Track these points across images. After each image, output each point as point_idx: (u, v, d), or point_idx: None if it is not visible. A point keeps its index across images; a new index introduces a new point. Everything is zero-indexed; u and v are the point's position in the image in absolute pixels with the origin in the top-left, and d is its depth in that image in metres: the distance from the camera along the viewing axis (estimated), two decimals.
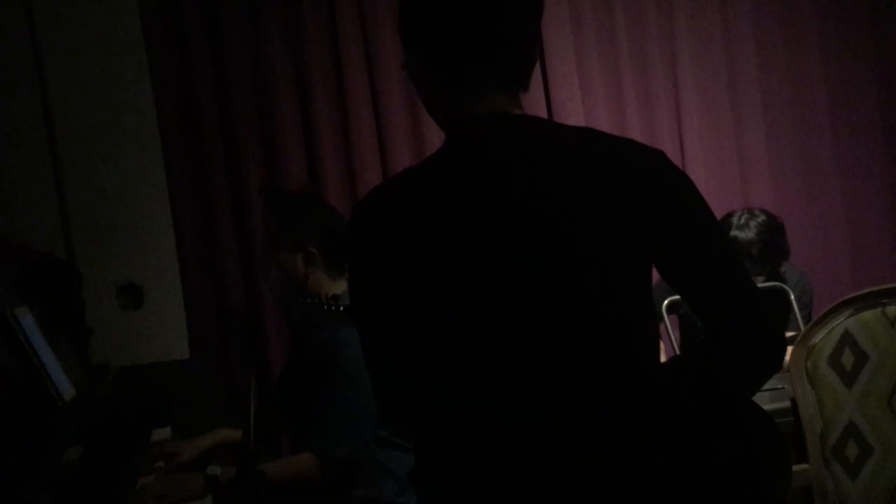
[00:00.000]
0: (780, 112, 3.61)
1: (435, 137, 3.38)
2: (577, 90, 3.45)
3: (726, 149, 3.57)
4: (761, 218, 2.93)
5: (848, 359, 2.08)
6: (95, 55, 3.13)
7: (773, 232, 2.92)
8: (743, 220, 2.93)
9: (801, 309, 2.87)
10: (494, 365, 1.15)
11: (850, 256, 3.65)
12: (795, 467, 2.19)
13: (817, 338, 2.11)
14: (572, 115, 3.42)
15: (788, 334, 2.86)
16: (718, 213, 2.97)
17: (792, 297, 2.83)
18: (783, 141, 3.61)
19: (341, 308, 1.84)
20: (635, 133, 3.49)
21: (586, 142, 1.22)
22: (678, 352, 2.91)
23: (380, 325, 1.21)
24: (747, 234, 2.88)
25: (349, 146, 3.33)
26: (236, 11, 3.23)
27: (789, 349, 2.89)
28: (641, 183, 1.18)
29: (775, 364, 1.23)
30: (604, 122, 3.47)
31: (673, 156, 3.50)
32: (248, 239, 3.21)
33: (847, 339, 2.08)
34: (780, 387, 2.49)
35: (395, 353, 1.20)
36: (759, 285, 2.92)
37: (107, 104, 3.15)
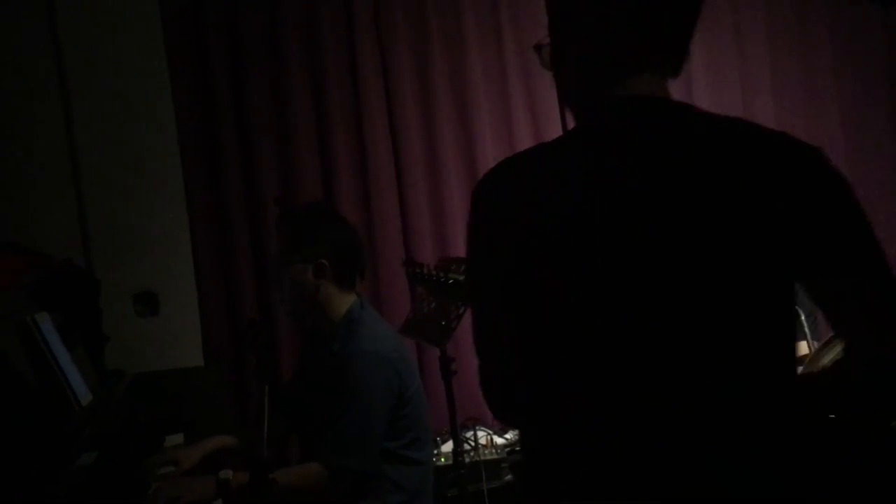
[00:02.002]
0: (792, 129, 3.61)
1: (448, 149, 3.41)
2: None
3: None
4: None
5: None
6: (117, 67, 3.18)
7: None
8: None
9: (806, 317, 2.89)
10: (612, 354, 1.09)
11: None
12: None
13: (826, 359, 2.12)
14: None
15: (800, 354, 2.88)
16: None
17: (802, 317, 2.84)
18: None
19: (451, 280, 1.83)
20: None
21: (734, 132, 1.14)
22: None
23: (495, 302, 1.15)
24: None
25: (364, 159, 3.37)
26: (256, 29, 3.28)
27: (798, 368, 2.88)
28: (792, 182, 1.08)
29: None
30: None
31: None
32: (263, 249, 3.25)
33: None
34: None
35: (511, 332, 1.14)
36: None
37: (127, 115, 3.20)
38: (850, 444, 1.14)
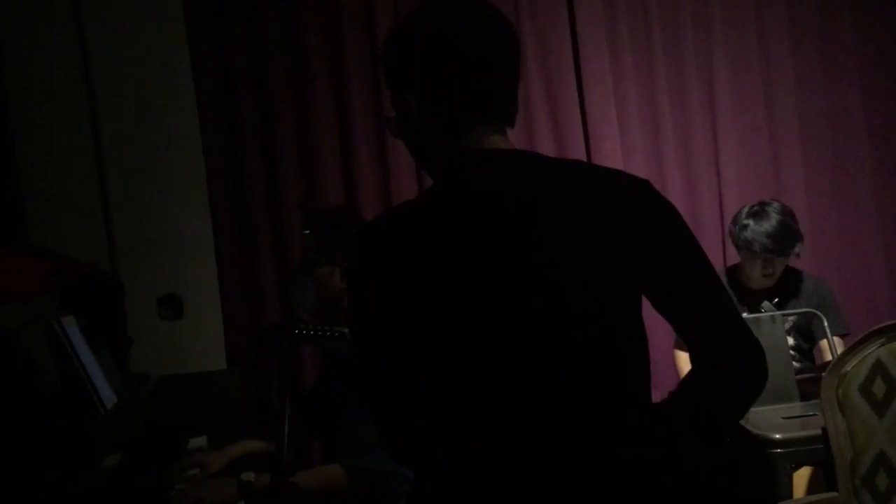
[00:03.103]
0: (817, 135, 3.61)
1: None
2: (613, 113, 3.47)
3: (763, 172, 3.57)
4: (774, 204, 3.00)
5: (879, 388, 2.07)
6: (143, 72, 3.22)
7: (788, 215, 2.99)
8: (755, 209, 3.00)
9: (828, 312, 2.92)
10: (490, 392, 1.20)
11: (886, 276, 3.62)
12: (825, 495, 2.19)
13: (849, 366, 2.11)
14: (608, 138, 3.44)
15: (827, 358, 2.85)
16: None
17: (825, 323, 2.83)
18: (820, 163, 3.60)
19: (336, 333, 1.88)
20: (670, 156, 3.50)
21: (575, 174, 1.30)
22: None
23: (380, 353, 1.24)
24: (765, 220, 2.94)
25: (385, 164, 3.38)
26: (278, 33, 3.31)
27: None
28: (627, 212, 1.22)
29: (759, 389, 1.26)
30: (639, 146, 3.49)
31: (709, 178, 3.54)
32: (286, 252, 3.27)
33: (879, 369, 2.08)
34: (811, 414, 2.49)
35: (395, 379, 1.24)
36: (793, 311, 2.94)
37: (151, 119, 3.23)
38: (703, 443, 1.24)
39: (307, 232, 2.39)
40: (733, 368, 1.24)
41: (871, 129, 3.63)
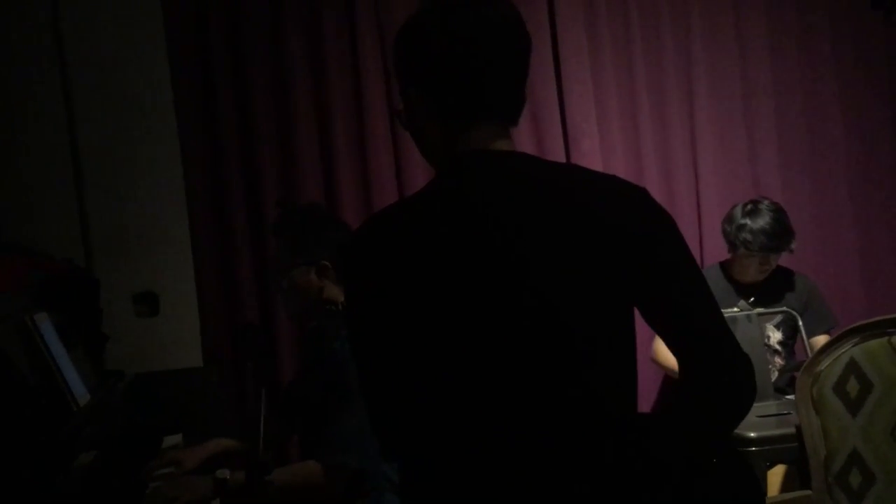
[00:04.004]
0: (794, 135, 3.64)
1: None
2: (592, 111, 3.48)
3: (740, 170, 3.60)
4: (767, 202, 3.07)
5: (853, 387, 2.09)
6: (119, 67, 3.18)
7: (781, 212, 3.07)
8: (749, 207, 3.05)
9: (818, 308, 3.05)
10: (479, 394, 1.20)
11: (861, 275, 3.67)
12: (799, 493, 2.21)
13: (823, 365, 2.13)
14: (587, 136, 3.45)
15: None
16: None
17: (800, 323, 2.86)
18: (797, 164, 3.64)
19: None
20: (649, 155, 3.52)
21: (570, 180, 1.28)
22: None
23: (373, 352, 1.25)
24: (761, 218, 3.00)
25: (365, 162, 3.37)
26: (258, 29, 3.28)
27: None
28: (619, 222, 1.21)
29: (747, 405, 1.26)
30: (619, 146, 3.50)
31: (687, 176, 3.56)
32: (264, 249, 3.25)
33: (853, 368, 2.10)
34: (785, 412, 2.51)
35: (388, 379, 1.24)
36: (770, 311, 2.97)
37: (128, 115, 3.20)
38: (692, 458, 1.24)
39: (280, 231, 2.38)
40: (722, 384, 1.23)
41: (848, 128, 3.67)
